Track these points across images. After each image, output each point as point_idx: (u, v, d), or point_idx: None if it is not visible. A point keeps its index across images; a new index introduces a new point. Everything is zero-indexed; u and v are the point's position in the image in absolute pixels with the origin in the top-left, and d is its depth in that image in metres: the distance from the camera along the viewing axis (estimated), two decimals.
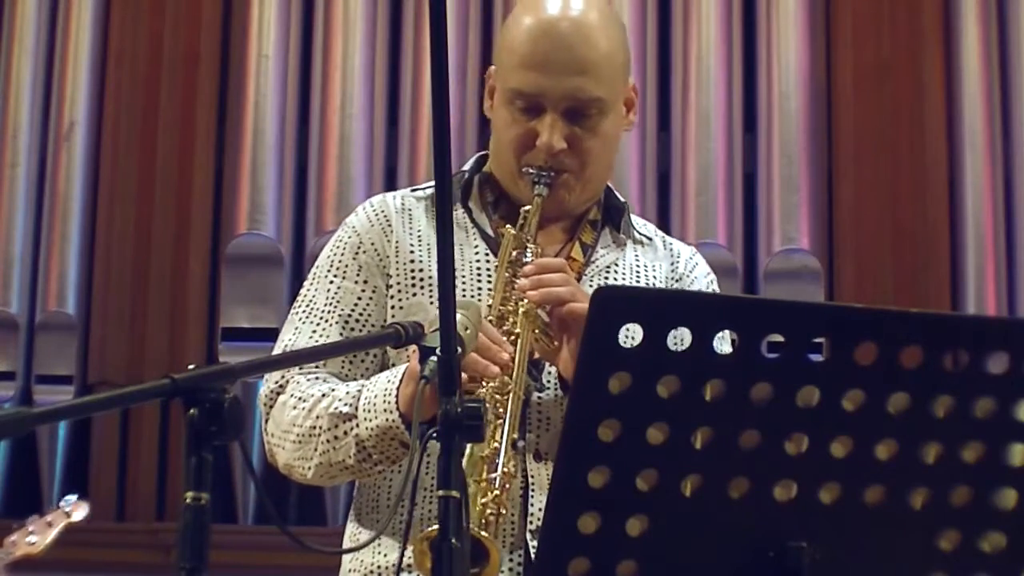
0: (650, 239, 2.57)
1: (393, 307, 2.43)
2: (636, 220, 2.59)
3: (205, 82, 5.48)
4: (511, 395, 2.22)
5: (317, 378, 2.41)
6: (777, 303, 2.23)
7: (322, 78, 5.38)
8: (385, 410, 2.29)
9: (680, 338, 1.80)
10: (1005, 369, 1.84)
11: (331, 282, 2.47)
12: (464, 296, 2.37)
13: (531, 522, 2.30)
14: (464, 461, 1.82)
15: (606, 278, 2.46)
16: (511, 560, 2.29)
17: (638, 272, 2.50)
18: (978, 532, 1.88)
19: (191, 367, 1.64)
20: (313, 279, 2.51)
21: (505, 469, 2.19)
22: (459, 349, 1.82)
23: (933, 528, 1.88)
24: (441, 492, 1.75)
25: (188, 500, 1.60)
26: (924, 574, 1.90)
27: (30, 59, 5.46)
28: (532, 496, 2.31)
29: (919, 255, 5.22)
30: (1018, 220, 5.17)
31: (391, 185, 5.32)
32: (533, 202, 2.39)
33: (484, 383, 2.21)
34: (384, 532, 2.35)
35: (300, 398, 2.39)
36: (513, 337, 2.28)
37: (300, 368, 2.42)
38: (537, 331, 2.30)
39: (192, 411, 1.61)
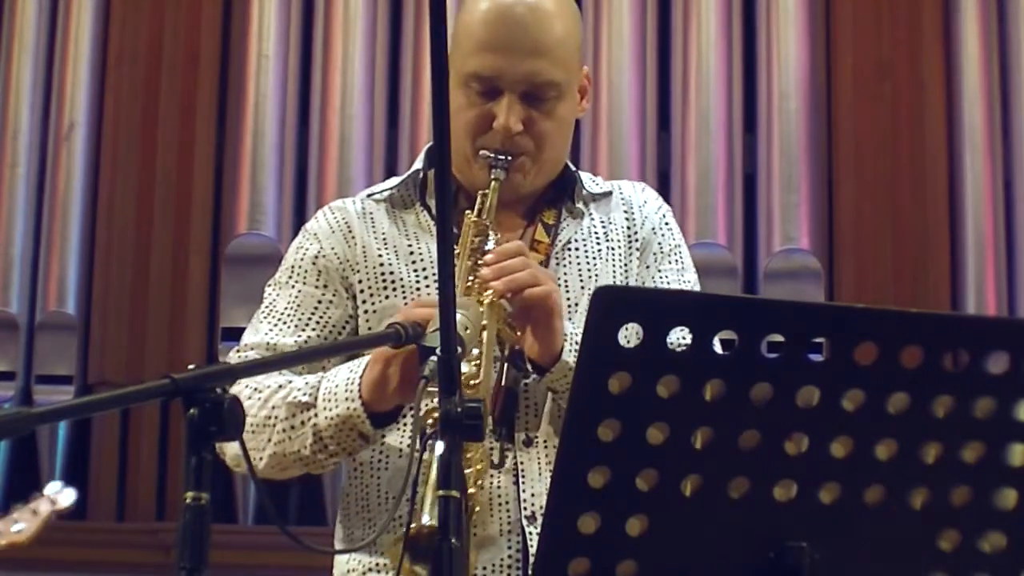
0: (608, 193, 2.56)
1: (366, 311, 2.43)
2: (588, 179, 2.58)
3: (205, 82, 5.48)
4: (480, 387, 2.21)
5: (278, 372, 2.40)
6: (777, 303, 2.23)
7: (322, 78, 5.38)
8: (347, 399, 2.27)
9: (680, 338, 1.80)
10: (1005, 369, 1.84)
11: (292, 287, 2.47)
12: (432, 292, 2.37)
13: (525, 508, 2.31)
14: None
15: (567, 251, 2.47)
16: (509, 547, 2.30)
17: (596, 236, 2.50)
18: (978, 532, 1.88)
19: (191, 367, 1.64)
20: (275, 284, 2.50)
21: (479, 467, 2.19)
22: (459, 349, 1.82)
23: (933, 528, 1.87)
24: (441, 492, 1.75)
25: (188, 500, 1.60)
26: (924, 574, 1.90)
27: (30, 59, 5.46)
28: (523, 483, 2.32)
29: (919, 255, 5.22)
30: (1018, 220, 5.17)
31: None
32: (490, 186, 2.39)
33: None
34: (382, 531, 2.35)
35: (255, 388, 2.37)
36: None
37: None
38: (501, 322, 2.30)
39: (192, 411, 1.61)
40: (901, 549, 1.88)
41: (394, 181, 2.55)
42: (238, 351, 2.46)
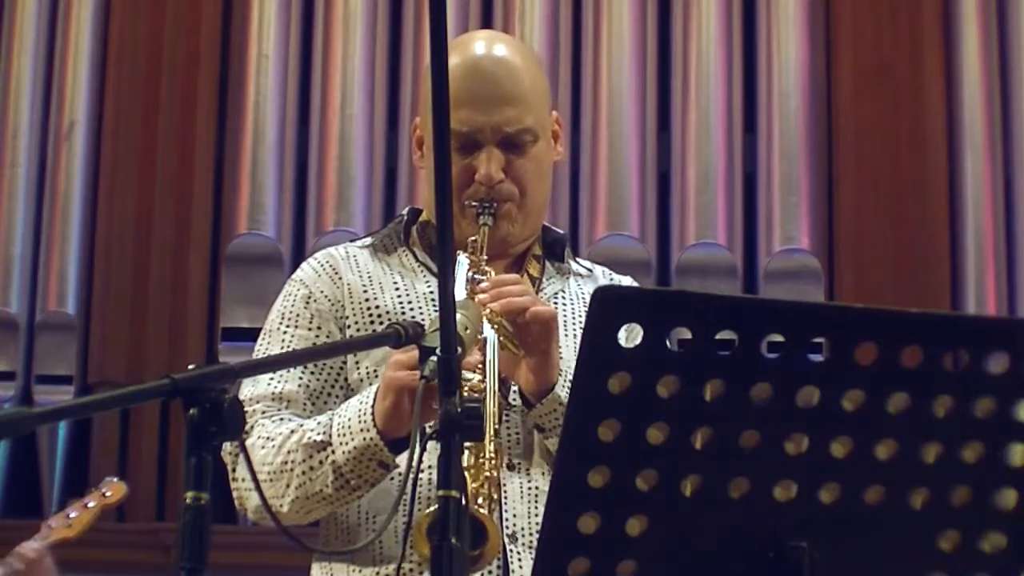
0: (590, 271, 2.62)
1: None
2: (575, 258, 2.64)
3: (205, 82, 5.47)
4: (488, 390, 2.22)
5: (282, 419, 2.41)
6: (777, 303, 2.23)
7: (322, 78, 5.38)
8: (361, 430, 2.29)
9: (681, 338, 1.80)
10: (1005, 369, 1.84)
11: (284, 332, 2.49)
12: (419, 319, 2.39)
13: (507, 528, 2.32)
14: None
15: (554, 304, 2.48)
16: (489, 567, 2.29)
17: (584, 299, 2.52)
18: (978, 532, 1.88)
19: (191, 367, 1.64)
20: (265, 335, 2.52)
21: (491, 455, 2.20)
22: (459, 349, 1.82)
23: (933, 528, 1.87)
24: (441, 492, 1.75)
25: (188, 500, 1.60)
26: (924, 574, 1.90)
27: (30, 59, 5.45)
28: (505, 504, 2.33)
29: (919, 255, 5.22)
30: (1018, 220, 5.17)
31: (391, 185, 5.32)
32: (479, 231, 2.43)
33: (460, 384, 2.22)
34: (381, 532, 2.35)
35: (268, 437, 2.39)
36: (481, 340, 2.28)
37: (263, 412, 2.42)
38: (503, 338, 2.31)
39: (192, 411, 1.61)
40: (901, 549, 1.88)
41: (375, 232, 2.60)
42: (243, 405, 2.45)
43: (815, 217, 5.21)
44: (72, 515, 4.31)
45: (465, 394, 2.18)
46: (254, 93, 5.35)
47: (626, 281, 2.65)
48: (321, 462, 2.33)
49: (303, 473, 2.34)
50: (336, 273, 2.51)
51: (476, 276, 2.38)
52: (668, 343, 1.80)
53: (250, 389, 2.46)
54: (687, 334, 1.79)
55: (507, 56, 2.49)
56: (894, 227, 5.24)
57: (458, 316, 1.90)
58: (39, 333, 5.31)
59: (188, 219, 5.40)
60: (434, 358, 1.82)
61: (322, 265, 2.53)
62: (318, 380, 2.45)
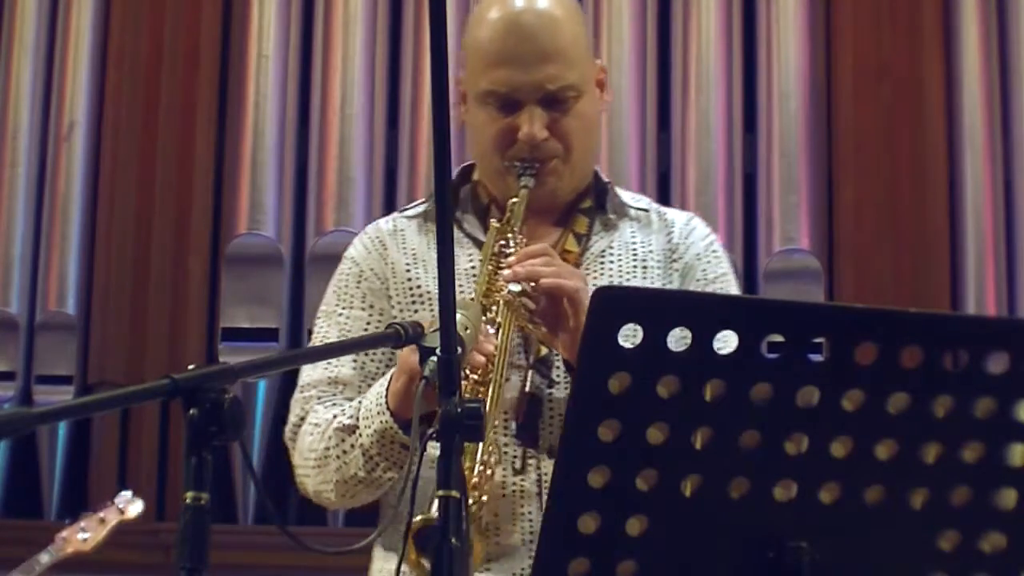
0: (645, 211, 2.56)
1: None
2: (628, 196, 2.57)
3: (205, 82, 5.47)
4: (492, 383, 2.22)
5: (334, 404, 2.42)
6: (777, 303, 2.23)
7: (322, 78, 5.38)
8: (378, 413, 2.30)
9: (681, 338, 1.80)
10: (1005, 369, 1.84)
11: (340, 315, 2.50)
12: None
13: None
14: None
15: (601, 263, 2.46)
16: (529, 557, 2.29)
17: (634, 251, 2.49)
18: (978, 532, 1.88)
19: (191, 367, 1.65)
20: (324, 316, 2.53)
21: (485, 458, 2.19)
22: (459, 349, 1.82)
23: (933, 528, 1.87)
24: (441, 492, 1.75)
25: (188, 500, 1.60)
26: (924, 574, 1.90)
27: (30, 59, 5.45)
28: (546, 492, 2.31)
29: (919, 255, 5.22)
30: (1018, 220, 5.16)
31: (391, 185, 5.32)
32: (519, 193, 2.40)
33: (467, 375, 2.21)
34: (380, 532, 2.35)
35: (316, 424, 2.41)
36: (496, 327, 2.28)
37: (318, 398, 2.44)
38: (524, 321, 2.30)
39: (192, 411, 1.61)
40: (901, 549, 1.88)
41: (431, 197, 2.56)
42: (301, 391, 2.49)
43: (815, 217, 5.21)
44: (86, 530, 4.28)
45: (469, 385, 2.19)
46: (254, 93, 5.35)
47: (682, 219, 2.56)
48: (352, 445, 2.34)
49: (338, 457, 2.36)
50: (384, 248, 2.50)
51: (503, 247, 2.36)
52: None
53: (308, 374, 2.48)
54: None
55: (546, 10, 2.42)
56: (894, 227, 5.24)
57: (458, 316, 1.90)
58: (39, 333, 5.30)
59: (188, 219, 5.39)
60: (434, 358, 1.82)
61: (372, 241, 2.53)
62: (373, 361, 2.45)
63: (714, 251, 2.54)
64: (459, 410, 1.76)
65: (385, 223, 2.56)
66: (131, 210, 5.40)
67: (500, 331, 2.27)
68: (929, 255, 5.21)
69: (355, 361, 2.44)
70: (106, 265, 5.38)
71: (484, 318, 2.28)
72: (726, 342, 1.79)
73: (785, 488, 1.83)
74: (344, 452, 2.35)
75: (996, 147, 5.20)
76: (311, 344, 2.51)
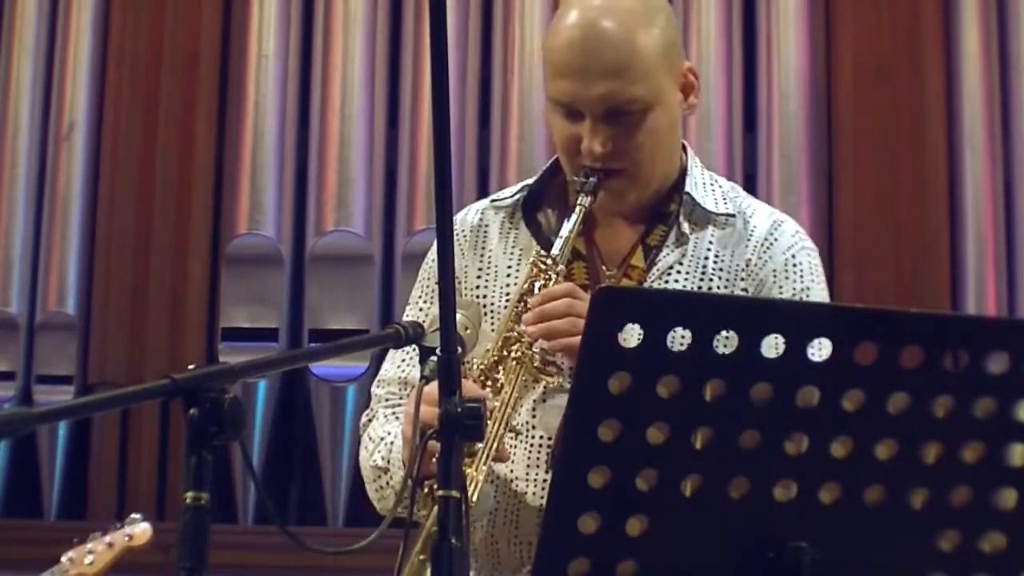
0: (732, 216, 2.47)
1: None
2: (720, 196, 2.48)
3: (205, 82, 5.47)
4: (484, 447, 2.20)
5: (394, 414, 2.44)
6: (777, 303, 2.22)
7: (322, 78, 5.38)
8: (399, 468, 2.35)
9: (681, 338, 1.80)
10: (1005, 369, 1.84)
11: (420, 309, 2.50)
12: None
13: None
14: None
15: (665, 281, 2.40)
16: None
17: (703, 268, 2.41)
18: (978, 532, 1.88)
19: (191, 367, 1.64)
20: (411, 303, 2.54)
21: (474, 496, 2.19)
22: (459, 349, 1.82)
23: (933, 528, 1.87)
24: (441, 492, 1.75)
25: (188, 500, 1.60)
26: (924, 574, 1.90)
27: (30, 59, 5.45)
28: None
29: (919, 255, 5.22)
30: (1018, 220, 5.16)
31: (391, 185, 5.32)
32: (575, 210, 2.36)
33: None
34: (380, 533, 2.35)
35: (370, 438, 2.45)
36: (498, 386, 2.28)
37: (385, 400, 2.46)
38: (535, 370, 2.30)
39: (192, 411, 1.61)
40: (901, 549, 1.88)
41: (529, 183, 2.52)
42: (378, 385, 2.51)
43: (815, 217, 5.21)
44: (92, 554, 4.24)
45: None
46: (254, 93, 5.35)
47: (764, 228, 2.49)
48: (385, 485, 2.39)
49: (376, 491, 2.42)
50: (461, 250, 2.46)
51: (530, 285, 2.34)
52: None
53: (386, 368, 2.50)
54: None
55: (619, 20, 2.33)
56: (894, 227, 5.23)
57: (458, 316, 1.90)
58: (39, 333, 5.31)
59: (188, 219, 5.40)
60: (434, 358, 1.82)
61: (457, 235, 2.47)
62: None
63: (795, 265, 2.47)
64: (459, 410, 1.76)
65: (473, 215, 2.51)
66: (131, 210, 5.40)
67: (503, 391, 2.26)
68: (929, 255, 5.21)
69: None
70: (106, 265, 5.38)
71: (492, 376, 2.28)
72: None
73: (785, 488, 1.83)
74: (381, 488, 2.40)
75: (996, 147, 5.20)
76: None
